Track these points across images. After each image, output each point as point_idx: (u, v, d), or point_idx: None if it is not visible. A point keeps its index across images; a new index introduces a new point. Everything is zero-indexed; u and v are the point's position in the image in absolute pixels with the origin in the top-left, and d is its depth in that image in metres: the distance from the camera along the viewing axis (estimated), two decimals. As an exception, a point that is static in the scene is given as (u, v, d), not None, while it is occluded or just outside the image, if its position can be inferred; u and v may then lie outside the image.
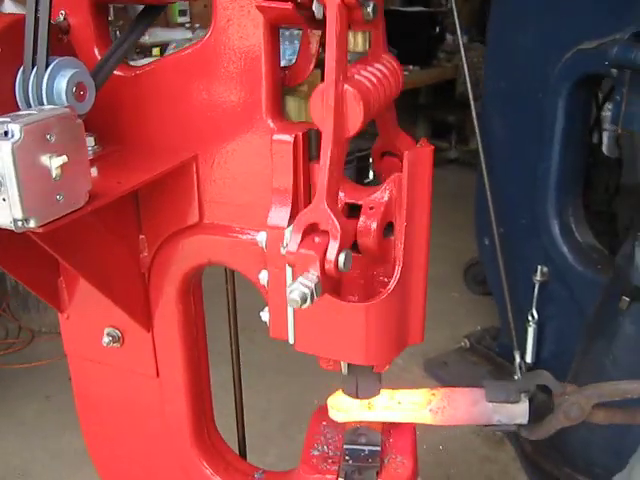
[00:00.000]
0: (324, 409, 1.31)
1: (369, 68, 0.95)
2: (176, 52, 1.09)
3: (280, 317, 1.07)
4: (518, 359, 2.76)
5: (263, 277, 1.07)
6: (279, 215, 1.03)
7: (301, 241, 0.90)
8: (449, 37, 6.59)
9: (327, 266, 0.88)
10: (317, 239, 0.90)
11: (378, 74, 0.95)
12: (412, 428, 1.25)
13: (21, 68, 0.93)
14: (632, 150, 3.41)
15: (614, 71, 2.15)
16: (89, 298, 1.29)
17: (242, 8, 1.00)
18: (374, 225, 0.99)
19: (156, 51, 4.20)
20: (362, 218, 0.99)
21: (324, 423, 1.27)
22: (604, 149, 3.20)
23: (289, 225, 1.01)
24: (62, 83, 0.91)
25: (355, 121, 0.90)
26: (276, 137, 1.01)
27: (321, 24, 0.94)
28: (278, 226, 1.02)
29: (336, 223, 0.89)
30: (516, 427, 1.18)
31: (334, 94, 0.87)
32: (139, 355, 1.31)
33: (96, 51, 1.11)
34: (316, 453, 1.20)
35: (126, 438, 1.42)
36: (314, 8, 0.90)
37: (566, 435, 2.53)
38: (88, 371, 1.39)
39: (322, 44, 1.07)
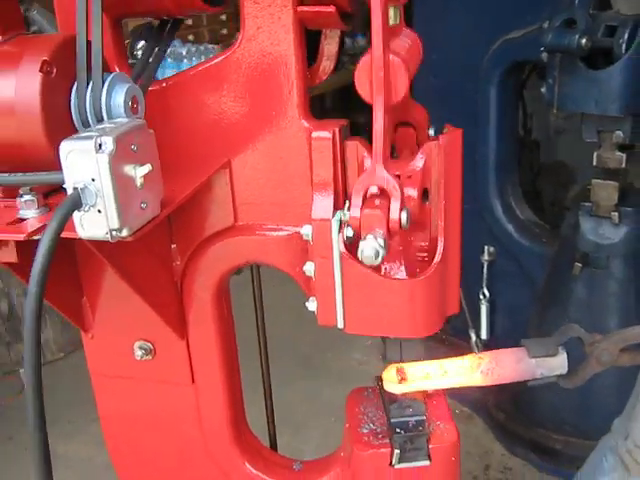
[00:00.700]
0: (357, 392, 1.38)
1: (400, 39, 1.03)
2: (203, 62, 1.13)
3: (328, 304, 1.13)
4: (474, 337, 2.91)
5: (309, 268, 1.13)
6: (323, 208, 1.09)
7: (362, 205, 0.98)
8: (347, 40, 6.79)
9: (391, 225, 0.96)
10: (377, 201, 0.98)
11: (407, 44, 1.04)
12: (444, 396, 1.33)
13: (74, 86, 0.95)
14: (547, 130, 3.65)
15: (544, 56, 2.32)
16: (116, 315, 1.31)
17: (272, 15, 1.06)
18: (415, 192, 1.07)
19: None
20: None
21: (362, 404, 1.33)
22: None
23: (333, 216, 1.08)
24: (120, 98, 0.94)
25: (402, 87, 0.98)
26: (315, 134, 1.08)
27: (349, 21, 1.02)
28: (323, 218, 1.08)
29: (395, 184, 0.97)
30: (556, 378, 1.28)
31: (383, 65, 0.94)
32: (173, 364, 1.33)
33: (116, 68, 1.14)
34: (365, 431, 1.26)
35: (158, 449, 1.43)
36: None
37: (535, 401, 2.70)
38: (116, 388, 1.40)
39: (341, 43, 1.15)
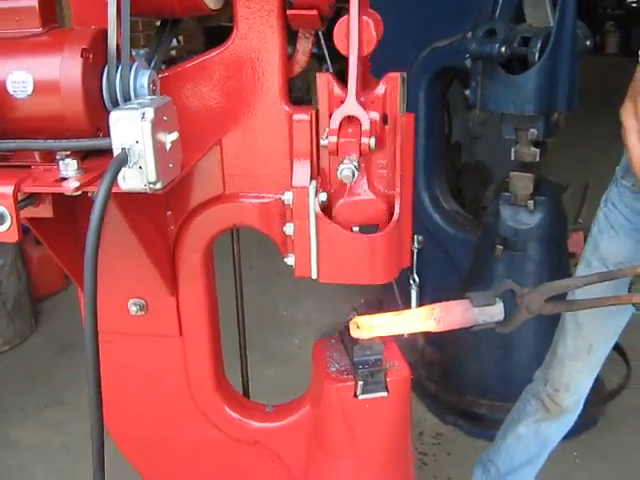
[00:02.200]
0: (322, 342, 1.61)
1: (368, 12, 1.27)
2: (201, 56, 1.34)
3: (304, 258, 1.36)
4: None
5: (288, 229, 1.36)
6: (302, 177, 1.32)
7: (339, 132, 1.21)
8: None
9: (362, 148, 1.19)
10: (350, 130, 1.21)
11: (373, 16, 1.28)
12: (394, 342, 1.58)
13: (105, 70, 1.15)
14: (468, 133, 4.00)
15: (468, 62, 2.63)
16: (113, 275, 1.49)
17: (262, 17, 1.28)
18: (377, 115, 1.26)
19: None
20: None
21: (327, 350, 1.56)
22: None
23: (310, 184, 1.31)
24: (144, 80, 1.15)
25: (371, 43, 1.22)
26: (296, 117, 1.31)
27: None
28: (302, 186, 1.31)
29: (365, 114, 1.20)
30: (495, 324, 1.53)
31: (358, 24, 1.19)
32: (163, 318, 1.52)
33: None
34: (333, 369, 1.50)
35: (147, 398, 1.62)
36: None
37: (462, 372, 3.00)
38: (113, 344, 1.57)
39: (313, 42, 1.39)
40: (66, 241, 1.41)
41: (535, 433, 2.20)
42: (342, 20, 1.20)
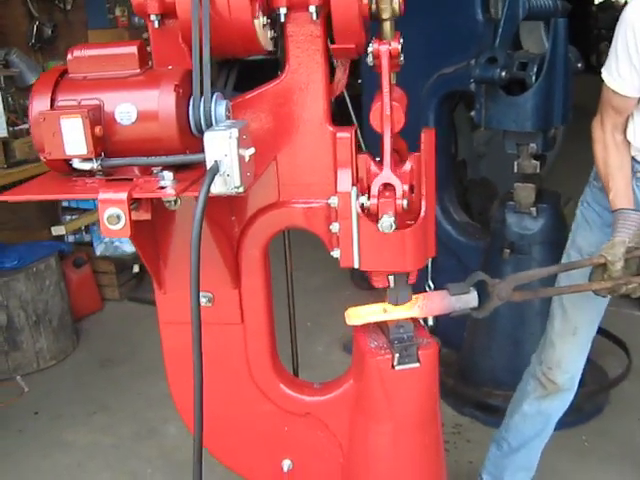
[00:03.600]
0: (360, 326, 1.88)
1: (396, 91, 1.58)
2: (259, 88, 1.64)
3: (349, 251, 1.64)
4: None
5: (334, 227, 1.65)
6: (345, 184, 1.61)
7: (379, 196, 1.52)
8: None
9: (398, 207, 1.50)
10: (387, 194, 1.52)
11: (399, 95, 1.59)
12: (420, 322, 1.85)
13: (191, 100, 1.45)
14: (473, 151, 4.30)
15: (473, 86, 2.94)
16: (184, 274, 1.77)
17: (309, 56, 1.58)
18: (406, 186, 1.59)
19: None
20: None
21: (366, 332, 1.84)
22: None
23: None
24: (222, 109, 1.45)
25: (400, 122, 1.53)
26: (340, 135, 1.61)
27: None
28: (346, 191, 1.61)
29: (399, 181, 1.51)
30: (470, 310, 1.78)
31: (389, 109, 1.50)
32: (227, 308, 1.80)
33: (195, 93, 1.64)
34: (373, 346, 1.77)
35: (213, 379, 1.87)
36: (368, 60, 1.52)
37: (477, 367, 3.26)
38: (181, 333, 1.84)
39: (351, 69, 1.68)
40: (148, 241, 1.70)
41: (538, 411, 2.47)
42: (377, 106, 1.51)
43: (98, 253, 4.58)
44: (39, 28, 4.84)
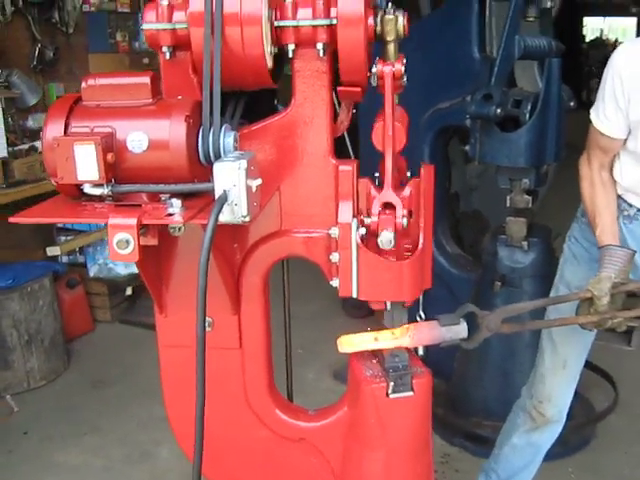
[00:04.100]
0: (355, 354, 1.92)
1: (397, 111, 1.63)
2: (264, 120, 1.69)
3: (347, 280, 1.68)
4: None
5: (334, 257, 1.69)
6: (346, 215, 1.66)
7: (379, 214, 1.56)
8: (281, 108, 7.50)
9: (397, 224, 1.55)
10: (387, 212, 1.57)
11: (400, 114, 1.64)
12: (414, 352, 1.88)
13: (200, 132, 1.50)
14: (466, 184, 4.37)
15: (468, 122, 3.01)
16: (185, 298, 1.82)
17: (315, 91, 1.64)
18: (405, 211, 1.65)
19: (44, 134, 4.56)
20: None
21: (361, 360, 1.87)
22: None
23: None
24: (230, 140, 1.50)
25: (401, 142, 1.58)
26: (342, 168, 1.66)
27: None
28: (347, 222, 1.65)
29: (399, 200, 1.56)
30: (459, 341, 1.82)
31: (392, 128, 1.55)
32: (227, 333, 1.83)
33: (203, 124, 1.69)
34: (368, 374, 1.81)
35: (209, 404, 1.91)
36: (371, 80, 1.58)
37: (468, 397, 3.30)
38: (180, 356, 1.88)
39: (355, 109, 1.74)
40: (152, 265, 1.74)
41: (527, 443, 2.51)
42: (378, 125, 1.57)
43: (92, 274, 4.60)
44: (41, 50, 4.90)
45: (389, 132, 1.56)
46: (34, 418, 3.65)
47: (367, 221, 1.61)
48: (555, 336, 2.38)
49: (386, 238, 1.55)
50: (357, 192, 1.67)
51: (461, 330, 1.79)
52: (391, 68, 1.56)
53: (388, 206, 1.61)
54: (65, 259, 4.69)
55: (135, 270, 4.10)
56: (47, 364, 3.99)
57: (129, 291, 4.77)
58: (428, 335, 1.79)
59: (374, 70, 1.56)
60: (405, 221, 1.57)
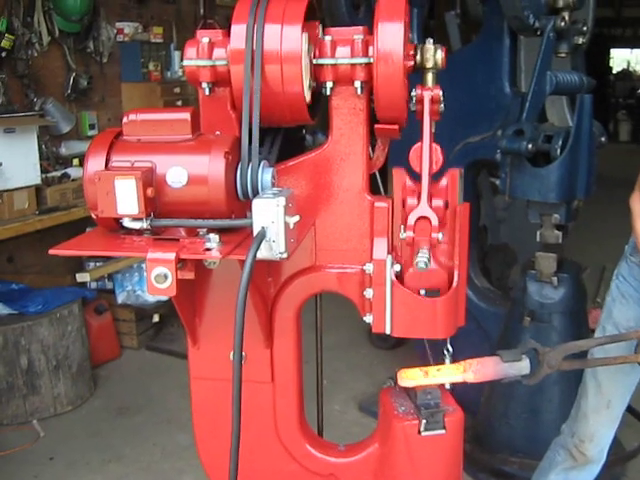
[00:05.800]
0: (387, 390, 1.91)
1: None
2: (301, 156, 1.71)
3: (381, 317, 1.68)
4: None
5: (368, 293, 1.69)
6: (381, 252, 1.66)
7: (414, 229, 1.56)
8: (308, 137, 7.56)
9: (432, 240, 1.55)
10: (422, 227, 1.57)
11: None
12: (447, 390, 1.87)
13: (238, 167, 1.52)
14: (493, 216, 4.36)
15: (498, 156, 3.01)
16: (218, 332, 1.83)
17: (352, 128, 1.65)
18: (441, 202, 1.62)
19: (76, 162, 4.65)
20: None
21: (392, 397, 1.87)
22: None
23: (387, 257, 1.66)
24: (268, 176, 1.52)
25: (439, 163, 1.59)
26: (377, 204, 1.66)
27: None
28: (381, 258, 1.66)
29: (435, 216, 1.56)
30: (521, 377, 1.82)
31: (430, 151, 1.56)
32: (259, 367, 1.84)
33: (240, 158, 1.71)
34: (400, 411, 1.80)
35: (242, 437, 1.91)
36: (411, 106, 1.59)
37: (494, 433, 3.26)
38: (211, 389, 1.88)
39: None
40: (187, 298, 1.75)
41: None
42: (417, 146, 1.57)
43: (120, 301, 4.64)
44: (75, 79, 5.00)
45: (427, 154, 1.57)
46: (60, 443, 3.67)
47: (402, 235, 1.59)
48: (600, 375, 2.34)
49: (422, 263, 1.53)
50: (392, 226, 1.67)
51: (524, 367, 1.79)
52: (430, 92, 1.58)
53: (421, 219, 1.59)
54: (94, 285, 4.73)
55: (162, 298, 4.13)
56: (74, 390, 4.02)
57: (156, 318, 4.79)
58: (491, 370, 1.78)
59: (413, 94, 1.59)
60: (441, 235, 1.55)
